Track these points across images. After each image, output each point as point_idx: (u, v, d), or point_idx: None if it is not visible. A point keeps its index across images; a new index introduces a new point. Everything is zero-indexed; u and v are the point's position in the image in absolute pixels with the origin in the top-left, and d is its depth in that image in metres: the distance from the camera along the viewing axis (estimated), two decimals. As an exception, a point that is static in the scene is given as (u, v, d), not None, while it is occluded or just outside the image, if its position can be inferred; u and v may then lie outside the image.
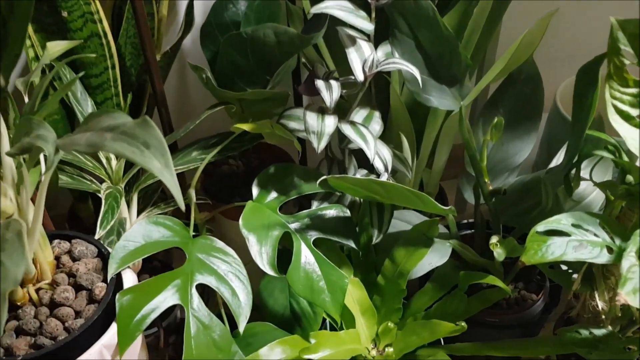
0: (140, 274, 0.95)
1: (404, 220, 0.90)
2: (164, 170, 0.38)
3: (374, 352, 0.87)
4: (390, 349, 0.85)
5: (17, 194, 0.57)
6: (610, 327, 0.79)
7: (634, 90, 0.65)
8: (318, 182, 0.72)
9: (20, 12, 0.52)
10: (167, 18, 0.94)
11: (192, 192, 0.84)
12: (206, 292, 0.87)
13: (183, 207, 0.43)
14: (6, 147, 0.55)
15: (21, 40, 0.55)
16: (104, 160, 0.85)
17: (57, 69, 0.62)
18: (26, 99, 0.66)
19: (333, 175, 0.73)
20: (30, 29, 0.86)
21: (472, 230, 1.02)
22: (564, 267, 0.85)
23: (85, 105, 0.86)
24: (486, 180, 0.85)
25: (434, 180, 1.05)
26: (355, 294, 0.88)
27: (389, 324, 0.88)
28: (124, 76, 0.92)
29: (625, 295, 0.57)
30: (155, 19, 0.93)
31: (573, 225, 0.69)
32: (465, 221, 1.08)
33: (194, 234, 0.83)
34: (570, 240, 0.67)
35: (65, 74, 0.86)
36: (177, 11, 1.02)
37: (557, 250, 0.66)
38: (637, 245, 0.62)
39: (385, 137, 0.96)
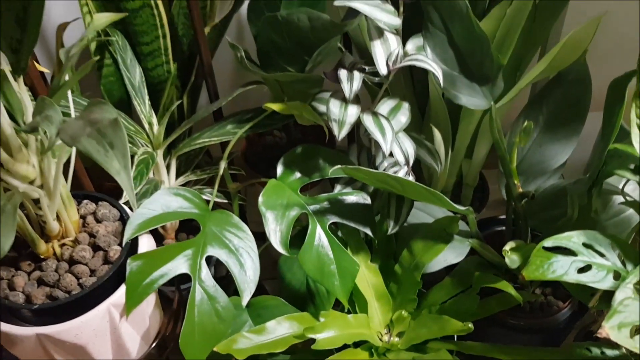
0: (178, 233, 1.01)
1: (427, 213, 0.90)
2: (122, 171, 0.41)
3: (386, 338, 0.89)
4: (397, 339, 0.87)
5: (41, 161, 0.63)
6: (624, 350, 0.76)
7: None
8: (331, 170, 0.73)
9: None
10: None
11: (223, 164, 0.88)
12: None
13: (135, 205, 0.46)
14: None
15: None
16: (146, 125, 0.90)
17: (87, 40, 0.66)
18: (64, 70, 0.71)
19: (350, 166, 0.74)
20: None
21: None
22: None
23: (133, 71, 0.90)
24: (515, 182, 0.83)
25: (474, 171, 1.03)
26: (371, 279, 0.90)
27: (403, 312, 0.89)
28: (176, 45, 0.96)
29: (609, 329, 0.55)
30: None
31: (584, 244, 0.66)
32: (503, 216, 1.06)
33: (224, 201, 0.88)
34: (575, 261, 0.65)
35: (118, 40, 0.91)
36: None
37: (559, 269, 0.65)
38: (637, 277, 0.59)
39: (425, 126, 0.96)
